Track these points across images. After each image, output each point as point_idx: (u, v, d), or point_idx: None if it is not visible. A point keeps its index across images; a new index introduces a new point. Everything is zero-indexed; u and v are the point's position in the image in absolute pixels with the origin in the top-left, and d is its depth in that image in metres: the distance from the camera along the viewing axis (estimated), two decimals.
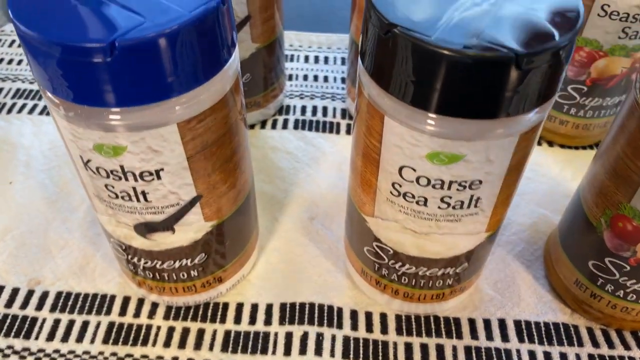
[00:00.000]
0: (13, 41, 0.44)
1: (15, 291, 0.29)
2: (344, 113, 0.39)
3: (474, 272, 0.26)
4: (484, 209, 0.22)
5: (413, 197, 0.21)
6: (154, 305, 0.28)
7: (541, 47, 0.17)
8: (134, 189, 0.21)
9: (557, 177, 0.35)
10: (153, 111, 0.19)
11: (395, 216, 0.23)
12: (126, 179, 0.21)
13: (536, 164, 0.35)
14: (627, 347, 0.27)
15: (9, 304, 0.28)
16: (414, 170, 0.20)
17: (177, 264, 0.25)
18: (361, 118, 0.22)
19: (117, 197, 0.22)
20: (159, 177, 0.21)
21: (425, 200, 0.21)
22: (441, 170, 0.20)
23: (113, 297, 0.28)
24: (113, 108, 0.18)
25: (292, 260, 0.30)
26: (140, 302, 0.28)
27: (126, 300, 0.28)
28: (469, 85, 0.17)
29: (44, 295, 0.28)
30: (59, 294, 0.29)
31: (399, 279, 0.26)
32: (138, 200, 0.22)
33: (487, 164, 0.20)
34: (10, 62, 0.42)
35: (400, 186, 0.21)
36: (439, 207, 0.22)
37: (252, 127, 0.37)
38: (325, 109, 0.39)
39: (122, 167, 0.20)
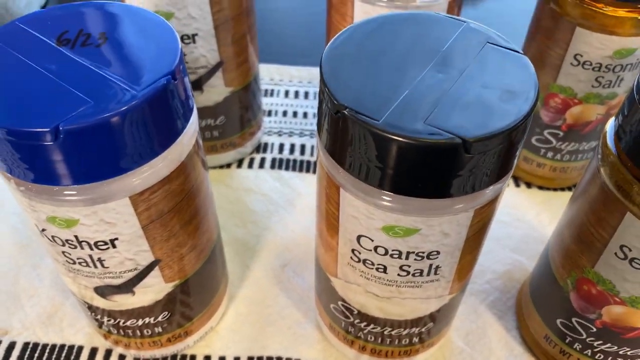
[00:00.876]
0: None
1: None
2: None
3: (441, 329, 0.26)
4: (445, 275, 0.22)
5: (372, 264, 0.21)
6: (122, 357, 0.28)
7: (490, 132, 0.16)
8: (90, 256, 0.21)
9: (533, 220, 0.34)
10: (104, 187, 0.19)
11: (357, 280, 0.23)
12: (82, 248, 0.21)
13: (513, 207, 0.35)
14: None
15: None
16: (372, 240, 0.20)
17: (140, 322, 0.25)
18: (321, 184, 0.21)
19: (74, 262, 0.22)
20: (114, 246, 0.21)
21: (385, 267, 0.21)
22: (397, 242, 0.20)
23: (80, 348, 0.28)
24: (62, 186, 0.18)
25: (262, 311, 0.30)
26: (108, 353, 0.28)
27: (93, 352, 0.28)
28: (419, 168, 0.17)
29: (11, 345, 0.28)
30: (25, 345, 0.28)
31: (365, 337, 0.26)
32: (95, 266, 0.22)
33: (443, 237, 0.20)
34: None
35: (360, 253, 0.21)
36: (398, 275, 0.21)
37: (228, 166, 0.37)
38: (303, 146, 0.39)
39: (76, 237, 0.20)
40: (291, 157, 0.38)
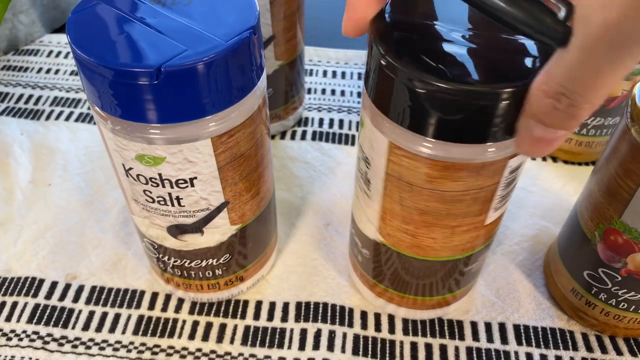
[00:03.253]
0: (51, 51, 0.47)
1: (54, 284, 0.31)
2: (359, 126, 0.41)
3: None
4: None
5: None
6: (180, 301, 0.31)
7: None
8: (170, 194, 0.24)
9: (560, 191, 0.37)
10: (190, 127, 0.21)
11: None
12: (163, 186, 0.23)
13: (540, 178, 0.37)
14: (619, 352, 0.29)
15: (49, 295, 0.31)
16: None
17: (203, 263, 0.28)
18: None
19: (153, 201, 0.24)
20: (192, 185, 0.23)
21: None
22: None
23: (142, 293, 0.31)
24: (155, 124, 0.21)
25: (308, 263, 0.32)
26: (168, 297, 0.31)
27: (154, 296, 0.31)
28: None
29: (80, 288, 0.31)
30: (93, 288, 0.31)
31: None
32: (172, 204, 0.24)
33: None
34: (48, 71, 0.45)
35: None
36: None
37: (272, 137, 0.40)
38: (341, 121, 0.41)
39: (160, 175, 0.23)
40: (330, 131, 0.40)
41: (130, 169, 0.23)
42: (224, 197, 0.25)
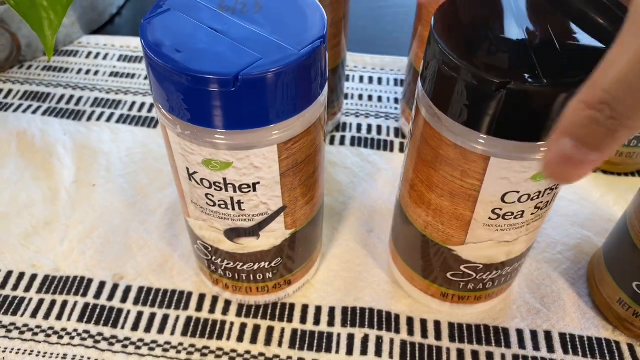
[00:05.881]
0: (89, 53, 0.47)
1: (102, 284, 0.32)
2: (397, 132, 0.41)
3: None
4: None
5: (512, 213, 0.24)
6: (227, 303, 0.31)
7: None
8: (232, 198, 0.24)
9: (599, 201, 0.37)
10: (258, 134, 0.22)
11: (486, 236, 0.25)
12: (226, 190, 0.24)
13: (579, 187, 0.37)
14: None
15: (98, 295, 0.31)
16: (518, 192, 0.23)
17: (255, 266, 0.28)
18: (454, 163, 0.23)
19: (214, 205, 0.25)
20: (254, 190, 0.24)
21: (523, 212, 0.24)
22: (541, 184, 0.23)
23: (190, 294, 0.31)
24: (225, 130, 0.21)
25: (352, 268, 0.33)
26: (215, 299, 0.31)
27: (202, 297, 0.31)
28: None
29: (128, 289, 0.32)
30: (140, 289, 0.32)
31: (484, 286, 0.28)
32: (233, 208, 0.25)
33: None
34: (87, 72, 0.46)
35: (501, 209, 0.24)
36: (531, 214, 0.24)
37: None
38: (379, 127, 0.41)
39: (224, 180, 0.23)
40: (369, 136, 0.41)
41: (195, 172, 0.24)
42: (282, 202, 0.25)
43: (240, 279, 0.29)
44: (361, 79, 0.45)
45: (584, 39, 0.21)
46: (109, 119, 0.42)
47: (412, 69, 0.37)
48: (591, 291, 0.32)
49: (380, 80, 0.45)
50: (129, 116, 0.42)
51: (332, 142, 0.40)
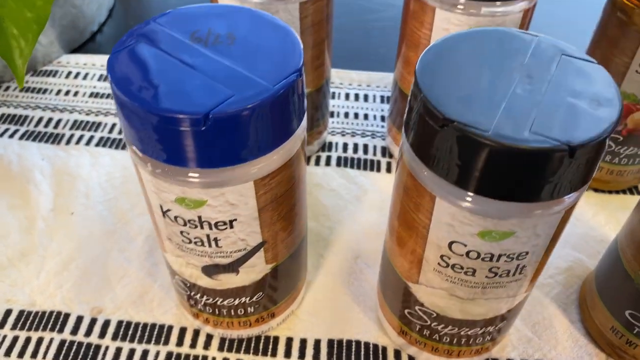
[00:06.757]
0: (69, 72, 0.46)
1: (79, 319, 0.30)
2: (384, 151, 0.40)
3: (509, 327, 0.28)
4: (527, 274, 0.23)
5: (462, 268, 0.23)
6: (209, 337, 0.30)
7: (591, 137, 0.18)
8: (208, 235, 0.23)
9: (591, 221, 0.36)
10: (233, 171, 0.21)
11: (442, 285, 0.24)
12: (202, 228, 0.23)
13: None
14: None
15: (75, 331, 0.30)
16: (465, 245, 0.22)
17: (236, 301, 0.27)
18: (406, 195, 0.22)
19: (190, 242, 0.24)
20: (231, 227, 0.23)
21: (474, 270, 0.23)
22: (492, 245, 0.21)
23: (170, 328, 0.30)
24: (198, 168, 0.20)
25: (338, 298, 0.32)
26: (196, 333, 0.30)
27: (182, 331, 0.30)
28: (526, 174, 0.18)
29: (106, 323, 0.30)
30: (119, 323, 0.30)
31: (441, 338, 0.27)
32: (210, 245, 0.24)
33: (535, 238, 0.21)
34: (67, 93, 0.44)
35: (449, 258, 0.23)
36: (486, 277, 0.23)
37: None
38: (366, 146, 0.41)
39: (199, 217, 0.22)
40: (355, 156, 0.40)
41: (168, 210, 0.23)
42: (261, 237, 0.24)
43: (221, 314, 0.28)
44: (347, 96, 0.45)
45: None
46: (88, 142, 0.40)
47: (397, 87, 0.37)
48: (583, 317, 0.31)
49: (366, 97, 0.45)
50: (109, 139, 0.41)
51: (317, 163, 0.39)
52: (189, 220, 0.23)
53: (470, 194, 0.20)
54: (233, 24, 0.22)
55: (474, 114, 0.19)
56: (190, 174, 0.21)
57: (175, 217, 0.23)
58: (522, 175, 0.19)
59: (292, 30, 0.22)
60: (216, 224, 0.23)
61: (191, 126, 0.19)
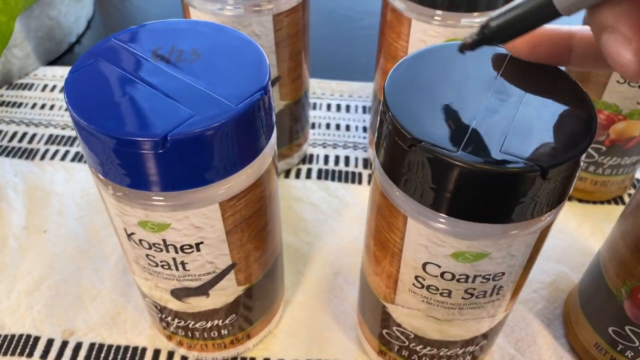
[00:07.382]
0: (45, 85, 0.45)
1: (50, 342, 0.30)
2: (366, 163, 0.40)
3: (491, 346, 0.27)
4: (505, 294, 0.23)
5: (437, 289, 0.22)
6: (184, 359, 0.29)
7: (564, 158, 0.17)
8: (174, 259, 0.22)
9: (575, 232, 0.35)
10: (197, 194, 0.20)
11: (418, 305, 0.23)
12: (167, 251, 0.22)
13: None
14: None
15: (45, 354, 0.29)
16: (439, 266, 0.21)
17: (209, 324, 0.26)
18: (380, 214, 0.22)
19: (156, 265, 0.23)
20: (198, 250, 0.22)
21: (450, 292, 0.22)
22: (466, 266, 0.20)
23: (144, 350, 0.29)
24: (160, 192, 0.19)
25: (318, 316, 0.31)
26: (170, 355, 0.29)
27: (156, 353, 0.29)
28: (496, 195, 0.18)
29: (78, 346, 0.29)
30: (92, 345, 0.29)
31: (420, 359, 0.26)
32: (177, 269, 0.23)
33: (510, 258, 0.20)
34: (42, 107, 0.44)
35: (424, 280, 0.22)
36: (462, 298, 0.22)
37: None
38: (347, 158, 0.40)
39: (164, 241, 0.21)
40: (336, 168, 0.39)
41: (133, 234, 0.22)
42: (231, 259, 0.23)
43: (194, 337, 0.27)
44: (328, 106, 0.44)
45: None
46: (63, 157, 0.39)
47: (377, 98, 0.36)
48: (567, 332, 0.30)
49: (348, 108, 0.44)
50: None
51: (297, 176, 0.39)
52: (154, 244, 0.22)
53: (443, 215, 0.19)
54: (198, 40, 0.22)
55: (443, 133, 0.18)
56: (153, 197, 0.20)
57: (140, 241, 0.22)
58: (493, 197, 0.18)
59: (259, 46, 0.21)
60: (182, 248, 0.22)
61: (149, 149, 0.18)
